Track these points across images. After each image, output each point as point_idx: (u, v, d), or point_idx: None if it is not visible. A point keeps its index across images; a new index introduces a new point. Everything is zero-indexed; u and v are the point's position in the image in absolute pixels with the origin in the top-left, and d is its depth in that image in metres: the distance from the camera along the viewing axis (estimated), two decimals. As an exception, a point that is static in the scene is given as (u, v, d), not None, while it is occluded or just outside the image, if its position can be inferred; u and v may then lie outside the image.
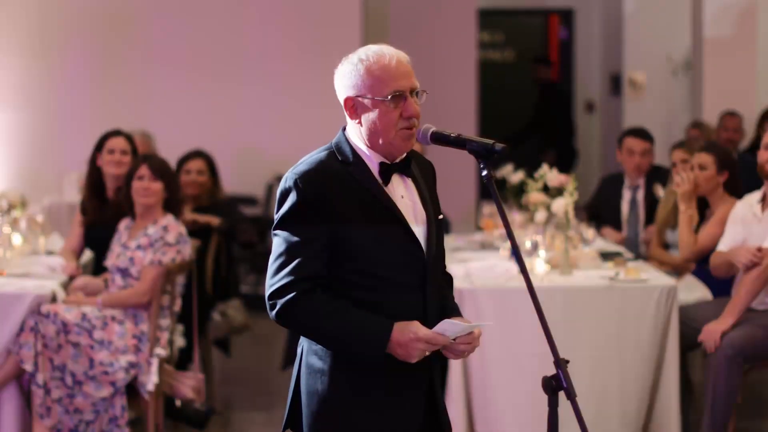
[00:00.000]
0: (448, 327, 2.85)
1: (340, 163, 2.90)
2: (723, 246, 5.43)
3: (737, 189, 5.84)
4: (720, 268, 5.47)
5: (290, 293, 2.83)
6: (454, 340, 2.87)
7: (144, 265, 5.32)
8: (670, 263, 6.19)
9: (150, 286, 5.28)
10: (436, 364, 3.01)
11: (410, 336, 2.82)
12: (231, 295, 6.76)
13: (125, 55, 9.24)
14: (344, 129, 2.97)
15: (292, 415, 3.00)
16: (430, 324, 2.88)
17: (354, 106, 2.91)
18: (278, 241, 2.88)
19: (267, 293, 2.87)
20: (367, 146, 2.92)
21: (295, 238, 2.84)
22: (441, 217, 3.04)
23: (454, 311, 3.03)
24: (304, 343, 2.98)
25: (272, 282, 2.86)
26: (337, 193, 2.85)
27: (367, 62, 2.88)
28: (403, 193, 2.95)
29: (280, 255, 2.86)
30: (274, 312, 2.86)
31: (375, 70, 2.87)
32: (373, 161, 2.92)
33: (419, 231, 2.93)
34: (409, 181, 2.98)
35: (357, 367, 2.88)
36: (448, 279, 3.15)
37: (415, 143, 2.97)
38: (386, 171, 2.92)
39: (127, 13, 9.28)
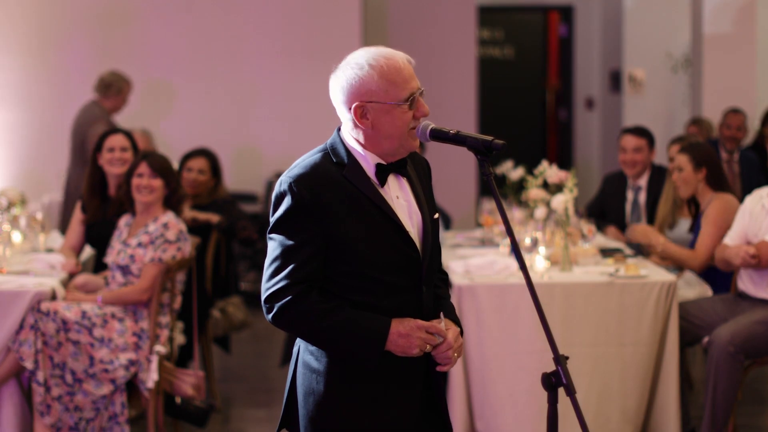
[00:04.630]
0: None
1: (335, 165, 2.87)
2: (729, 239, 5.44)
3: (719, 182, 5.85)
4: (721, 263, 5.48)
5: (286, 297, 2.82)
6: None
7: (144, 263, 5.31)
8: (679, 256, 6.08)
9: (150, 283, 5.28)
10: (432, 363, 2.98)
11: (411, 325, 2.85)
12: (231, 292, 6.75)
13: (125, 54, 9.24)
14: (339, 129, 2.95)
15: (288, 415, 3.00)
16: None
17: (364, 112, 2.86)
18: (273, 245, 2.87)
19: (263, 297, 2.87)
20: (364, 147, 2.89)
21: (291, 242, 2.83)
22: (436, 216, 3.02)
23: (449, 312, 3.02)
24: (300, 342, 2.97)
25: (268, 286, 2.85)
26: (332, 196, 2.84)
27: (379, 67, 2.83)
28: (398, 194, 2.93)
29: (275, 259, 2.85)
30: (270, 315, 2.86)
31: (390, 74, 2.83)
32: (368, 162, 2.90)
33: (415, 232, 2.92)
34: (405, 181, 2.96)
35: (353, 367, 2.88)
36: (444, 278, 3.14)
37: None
38: (383, 172, 2.90)
39: (127, 12, 9.28)
